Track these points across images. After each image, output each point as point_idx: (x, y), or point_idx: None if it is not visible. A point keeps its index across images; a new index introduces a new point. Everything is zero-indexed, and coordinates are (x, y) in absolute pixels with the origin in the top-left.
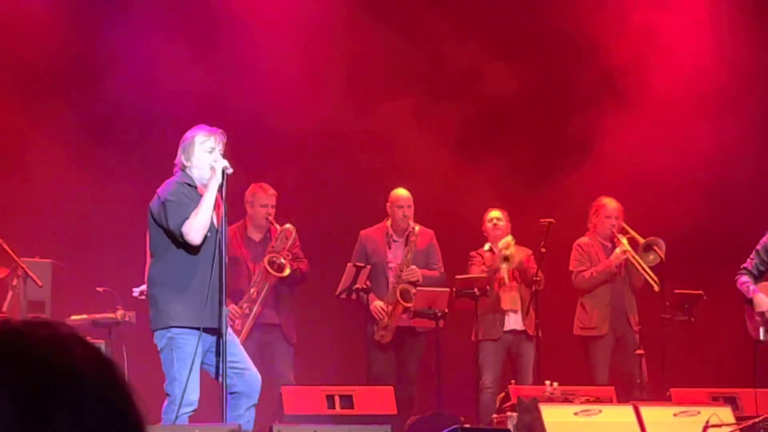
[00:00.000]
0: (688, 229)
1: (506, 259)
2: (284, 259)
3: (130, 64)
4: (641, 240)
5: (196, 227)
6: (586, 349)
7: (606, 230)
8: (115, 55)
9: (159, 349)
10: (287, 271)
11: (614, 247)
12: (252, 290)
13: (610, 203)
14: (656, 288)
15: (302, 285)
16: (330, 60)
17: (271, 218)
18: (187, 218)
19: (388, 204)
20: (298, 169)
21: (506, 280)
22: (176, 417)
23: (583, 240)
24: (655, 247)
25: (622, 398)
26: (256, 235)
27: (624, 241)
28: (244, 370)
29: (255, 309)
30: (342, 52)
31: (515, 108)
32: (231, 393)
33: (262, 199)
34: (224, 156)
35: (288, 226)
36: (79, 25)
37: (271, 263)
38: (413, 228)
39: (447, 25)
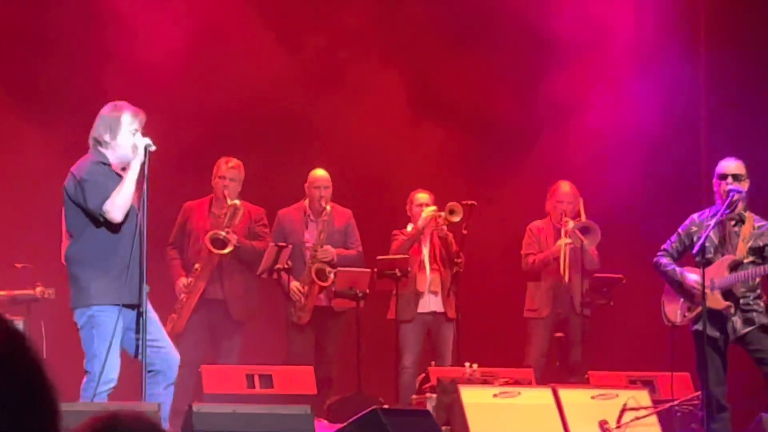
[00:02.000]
0: (608, 212)
1: (452, 212)
2: (229, 235)
3: (64, 37)
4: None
5: (117, 205)
6: (527, 330)
7: (557, 214)
8: (47, 27)
9: (79, 326)
10: (228, 249)
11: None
12: (197, 265)
13: (563, 187)
14: (565, 279)
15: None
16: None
17: (225, 192)
18: (106, 197)
19: (306, 185)
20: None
21: (426, 263)
22: (95, 394)
23: (536, 223)
24: (584, 235)
25: (559, 380)
26: (217, 210)
27: (570, 225)
28: (161, 348)
29: (199, 284)
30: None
31: (458, 89)
32: (149, 371)
33: (220, 171)
34: (143, 134)
35: (236, 202)
36: None
37: (213, 240)
38: (325, 207)
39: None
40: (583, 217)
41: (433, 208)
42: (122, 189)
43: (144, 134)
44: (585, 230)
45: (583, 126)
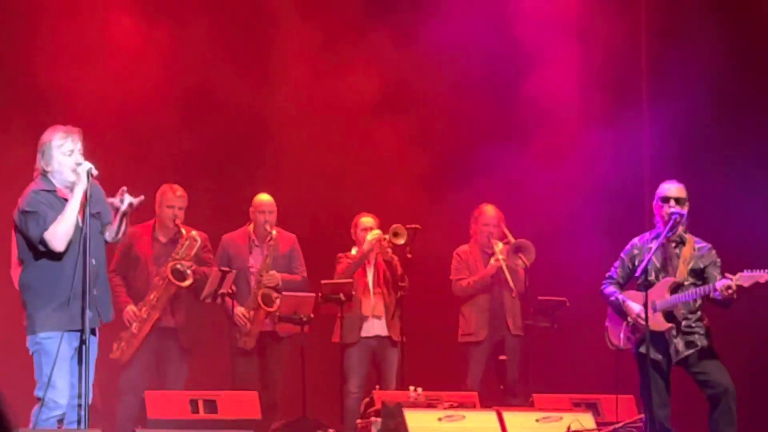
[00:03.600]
0: (552, 235)
1: (396, 234)
2: (188, 268)
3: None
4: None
5: (59, 235)
6: (465, 355)
7: (484, 237)
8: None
9: (31, 353)
10: (188, 282)
11: (493, 254)
12: (152, 295)
13: (489, 210)
14: (514, 293)
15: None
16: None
17: (178, 221)
18: (45, 228)
19: (251, 209)
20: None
21: (370, 286)
22: (37, 421)
23: (463, 248)
24: (521, 254)
25: (500, 403)
26: (162, 237)
27: (499, 247)
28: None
29: (153, 314)
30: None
31: (409, 112)
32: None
33: (169, 199)
34: (85, 155)
35: (194, 233)
36: None
37: (174, 272)
38: (271, 232)
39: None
40: (511, 238)
41: (378, 232)
42: (63, 218)
43: (84, 153)
44: (519, 249)
45: (531, 153)
